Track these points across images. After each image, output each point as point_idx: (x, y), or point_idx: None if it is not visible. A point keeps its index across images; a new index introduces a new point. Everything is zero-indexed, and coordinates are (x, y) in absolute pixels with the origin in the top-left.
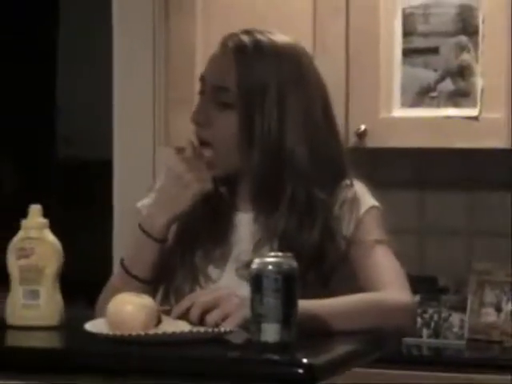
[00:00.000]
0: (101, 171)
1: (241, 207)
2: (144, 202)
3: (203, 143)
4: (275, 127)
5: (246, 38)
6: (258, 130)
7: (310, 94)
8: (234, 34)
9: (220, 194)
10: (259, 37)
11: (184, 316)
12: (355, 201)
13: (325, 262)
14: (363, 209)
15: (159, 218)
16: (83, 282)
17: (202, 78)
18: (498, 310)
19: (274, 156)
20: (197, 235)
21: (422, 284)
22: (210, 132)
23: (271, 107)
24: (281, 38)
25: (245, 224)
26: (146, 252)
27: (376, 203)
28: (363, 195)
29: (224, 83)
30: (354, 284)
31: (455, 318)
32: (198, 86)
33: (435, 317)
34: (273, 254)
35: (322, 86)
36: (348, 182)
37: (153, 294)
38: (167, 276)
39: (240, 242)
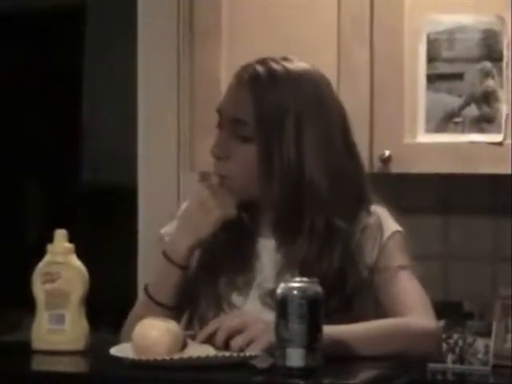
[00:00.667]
0: (126, 197)
1: (263, 234)
2: (167, 229)
3: (222, 176)
4: (294, 157)
5: (260, 68)
6: (276, 161)
7: (328, 121)
8: (249, 64)
9: (242, 221)
10: (274, 66)
11: (209, 340)
12: (378, 226)
13: (346, 289)
14: (386, 234)
15: (182, 244)
16: (107, 307)
17: (219, 111)
18: None
19: (293, 186)
20: (220, 263)
21: (447, 309)
22: (229, 165)
23: (289, 137)
24: (297, 65)
25: (267, 250)
26: (169, 278)
27: (399, 228)
28: (386, 220)
29: (241, 116)
30: (378, 310)
31: (480, 343)
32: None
33: (460, 342)
34: (298, 279)
35: (340, 111)
36: (370, 207)
37: (177, 321)
38: (191, 303)
39: (263, 269)
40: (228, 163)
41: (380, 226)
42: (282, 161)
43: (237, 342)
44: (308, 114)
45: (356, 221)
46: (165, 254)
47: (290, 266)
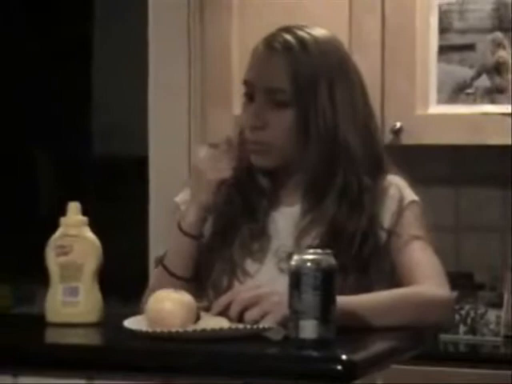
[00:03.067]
0: (137, 168)
1: (285, 201)
2: (181, 197)
3: (262, 144)
4: (329, 119)
5: (289, 37)
6: (313, 124)
7: (353, 85)
8: (276, 33)
9: (261, 188)
10: (301, 33)
11: (223, 312)
12: (397, 194)
13: (366, 250)
14: (404, 202)
15: (189, 213)
16: (119, 278)
17: (249, 83)
18: None
19: (329, 147)
20: (235, 228)
21: (459, 280)
22: (267, 133)
23: (324, 101)
24: (320, 32)
25: (287, 217)
26: (182, 249)
27: (416, 198)
28: (404, 189)
29: (277, 84)
30: (392, 279)
31: (491, 314)
32: (233, 83)
33: (472, 313)
34: (312, 250)
35: (360, 75)
36: (387, 175)
37: (192, 292)
38: (205, 271)
39: (280, 235)
40: (266, 131)
41: (399, 194)
42: (317, 124)
43: (251, 315)
44: (337, 78)
45: (377, 184)
46: (178, 226)
47: (314, 228)
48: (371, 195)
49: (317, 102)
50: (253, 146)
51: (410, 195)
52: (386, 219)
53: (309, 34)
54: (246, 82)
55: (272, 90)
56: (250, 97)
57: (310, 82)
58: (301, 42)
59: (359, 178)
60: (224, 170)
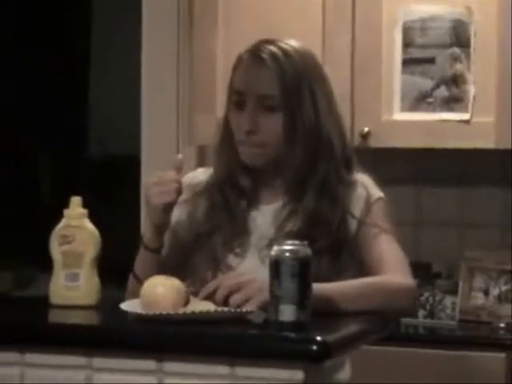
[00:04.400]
0: (130, 167)
1: (265, 200)
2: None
3: (257, 146)
4: (313, 120)
5: (274, 48)
6: (299, 125)
7: (329, 90)
8: (260, 45)
9: (243, 191)
10: (283, 45)
11: (209, 297)
12: (364, 191)
13: (339, 238)
14: (372, 199)
15: (146, 232)
16: (114, 266)
17: (240, 91)
18: (486, 293)
19: (314, 144)
20: (217, 227)
21: (418, 270)
22: (260, 136)
23: (308, 104)
24: (297, 44)
25: (266, 214)
26: (145, 260)
27: (382, 195)
28: (371, 186)
29: (267, 91)
30: (361, 267)
31: (448, 300)
32: (217, 91)
33: (430, 299)
34: (290, 242)
35: (330, 83)
36: (356, 172)
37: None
38: (193, 270)
39: (259, 230)
40: (259, 134)
41: (366, 191)
42: (304, 125)
43: (235, 299)
44: (316, 85)
45: (348, 180)
46: (140, 239)
47: (294, 217)
48: (345, 189)
49: (302, 105)
50: (247, 148)
51: (377, 192)
52: (356, 213)
53: (289, 45)
54: (237, 91)
55: (262, 97)
56: (239, 104)
57: (295, 88)
58: (284, 52)
59: (338, 173)
60: (167, 194)
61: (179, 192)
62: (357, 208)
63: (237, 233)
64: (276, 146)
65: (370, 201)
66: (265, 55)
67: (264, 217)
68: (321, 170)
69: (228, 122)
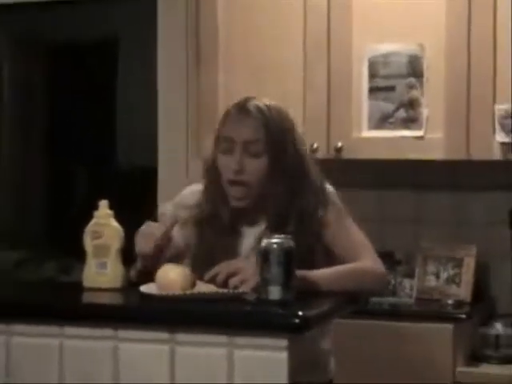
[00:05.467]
0: (149, 176)
1: (247, 224)
2: (165, 207)
3: (242, 184)
4: (297, 161)
5: (258, 103)
6: (284, 166)
7: (301, 136)
8: (245, 101)
9: (228, 224)
10: (264, 101)
11: (211, 281)
12: (332, 202)
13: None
14: (337, 206)
15: (137, 262)
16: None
17: (229, 138)
18: (438, 277)
19: (295, 180)
20: (212, 254)
21: (383, 258)
22: (246, 176)
23: (291, 148)
24: (273, 102)
25: (249, 234)
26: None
27: (340, 203)
28: (334, 195)
29: (254, 136)
30: (331, 262)
31: (406, 282)
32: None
33: (392, 281)
34: (276, 235)
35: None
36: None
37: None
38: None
39: (245, 244)
40: (245, 174)
41: (333, 201)
42: (287, 165)
43: (233, 282)
44: (294, 131)
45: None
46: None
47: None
48: (320, 207)
49: (286, 150)
50: (235, 187)
51: (337, 200)
52: (329, 221)
53: (268, 102)
54: (226, 138)
55: (249, 142)
56: (228, 150)
57: (279, 135)
58: (267, 106)
59: (316, 197)
60: (145, 247)
61: (158, 247)
62: (329, 218)
63: (228, 252)
64: (259, 185)
65: (335, 208)
66: (251, 107)
67: (250, 235)
68: (300, 201)
69: (215, 168)
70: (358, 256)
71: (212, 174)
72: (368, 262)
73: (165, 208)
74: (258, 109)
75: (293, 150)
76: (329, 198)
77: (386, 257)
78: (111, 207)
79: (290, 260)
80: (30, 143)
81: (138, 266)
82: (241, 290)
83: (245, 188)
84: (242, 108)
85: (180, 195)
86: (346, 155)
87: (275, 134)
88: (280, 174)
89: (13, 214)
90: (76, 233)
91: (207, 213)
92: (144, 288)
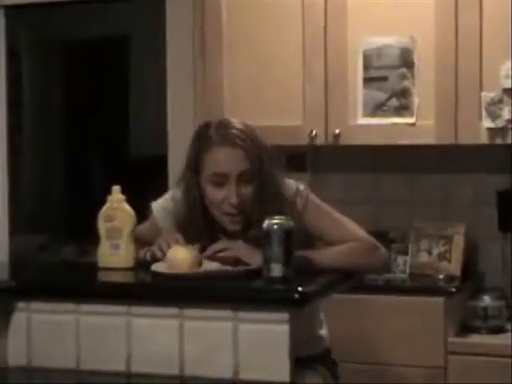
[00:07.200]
0: (159, 166)
1: (225, 235)
2: (158, 202)
3: (239, 214)
4: (275, 179)
5: (236, 129)
6: (269, 186)
7: (271, 150)
8: (225, 127)
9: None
10: (236, 124)
11: (215, 259)
12: (301, 197)
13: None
14: (309, 197)
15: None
16: None
17: (220, 174)
18: (430, 253)
19: (278, 199)
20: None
21: (378, 237)
22: (241, 205)
23: (270, 168)
24: (244, 123)
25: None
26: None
27: (311, 194)
28: (304, 190)
29: (247, 167)
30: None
31: (400, 259)
32: (224, 107)
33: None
34: (277, 217)
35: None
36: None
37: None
38: None
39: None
40: (239, 198)
41: (302, 196)
42: (270, 185)
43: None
44: (267, 149)
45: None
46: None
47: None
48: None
49: (266, 172)
50: (235, 217)
51: (306, 192)
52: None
53: (238, 122)
54: (217, 174)
55: (244, 173)
56: (220, 183)
57: (260, 155)
58: (242, 130)
59: (289, 203)
60: (157, 253)
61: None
62: (309, 216)
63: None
64: (249, 205)
65: (304, 198)
66: (234, 138)
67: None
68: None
69: (196, 198)
70: (353, 236)
71: (194, 207)
72: (365, 241)
73: (158, 203)
74: (240, 137)
75: (269, 164)
76: (307, 200)
77: (381, 235)
78: (124, 193)
79: (290, 239)
80: (50, 137)
81: (147, 255)
82: (244, 268)
83: (241, 214)
84: (225, 139)
85: (162, 203)
86: (343, 141)
87: (259, 156)
88: (266, 193)
89: (36, 202)
90: (93, 219)
91: (185, 218)
92: (155, 267)
